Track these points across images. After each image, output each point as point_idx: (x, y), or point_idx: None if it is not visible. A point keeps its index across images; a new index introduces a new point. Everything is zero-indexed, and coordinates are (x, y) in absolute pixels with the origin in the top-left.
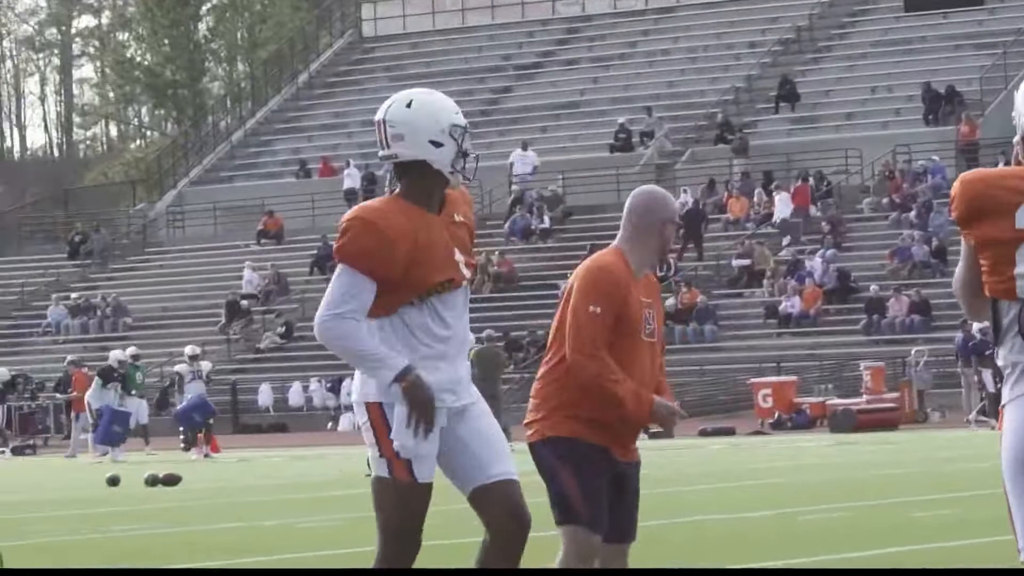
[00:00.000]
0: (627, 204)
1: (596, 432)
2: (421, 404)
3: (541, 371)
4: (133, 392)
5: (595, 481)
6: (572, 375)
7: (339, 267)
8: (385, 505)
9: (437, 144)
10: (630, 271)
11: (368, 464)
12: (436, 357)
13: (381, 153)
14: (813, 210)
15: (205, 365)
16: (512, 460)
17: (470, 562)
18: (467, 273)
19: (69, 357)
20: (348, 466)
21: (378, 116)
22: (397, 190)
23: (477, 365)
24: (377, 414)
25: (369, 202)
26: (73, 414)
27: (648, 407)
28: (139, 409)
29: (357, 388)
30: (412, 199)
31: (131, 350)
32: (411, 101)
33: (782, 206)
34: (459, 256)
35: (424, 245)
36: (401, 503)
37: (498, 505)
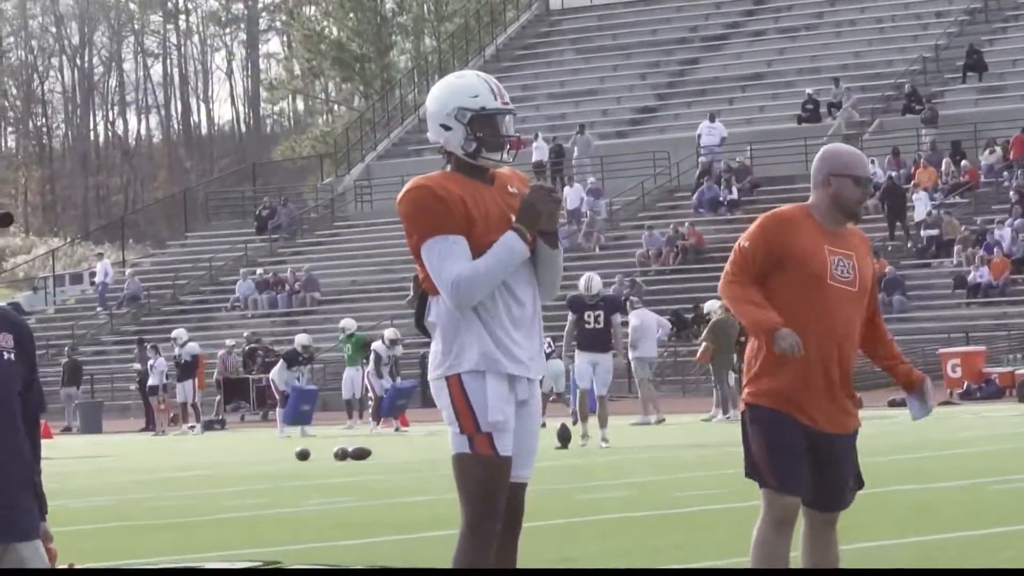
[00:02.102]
0: None
1: (780, 401)
2: (549, 201)
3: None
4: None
5: (783, 445)
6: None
7: (423, 246)
8: (469, 481)
9: (446, 127)
10: (812, 220)
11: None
12: (514, 326)
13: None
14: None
15: (399, 351)
16: (532, 461)
17: None
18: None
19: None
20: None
21: None
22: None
23: (713, 337)
24: (457, 388)
25: (418, 177)
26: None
27: (767, 335)
28: (354, 380)
29: (434, 364)
30: (461, 171)
31: (346, 322)
32: (435, 87)
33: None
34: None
35: (478, 206)
36: (485, 478)
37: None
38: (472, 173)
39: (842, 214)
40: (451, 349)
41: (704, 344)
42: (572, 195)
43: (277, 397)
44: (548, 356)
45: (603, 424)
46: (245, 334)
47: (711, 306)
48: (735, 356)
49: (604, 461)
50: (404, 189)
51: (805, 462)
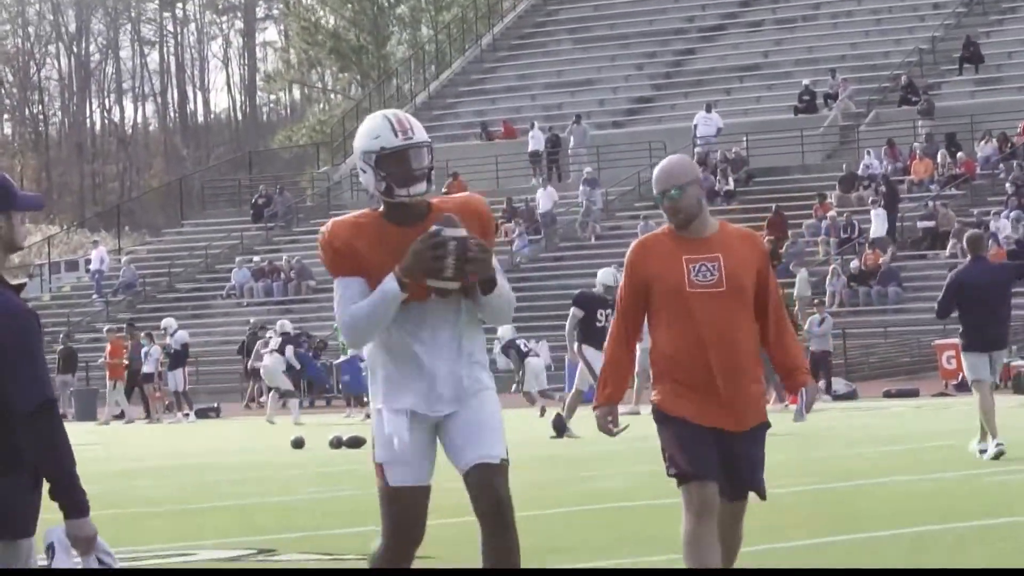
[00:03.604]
0: None
1: (673, 405)
2: (427, 248)
3: None
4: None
5: (688, 437)
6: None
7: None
8: (380, 507)
9: (362, 171)
10: (670, 236)
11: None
12: (412, 367)
13: None
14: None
15: None
16: (494, 443)
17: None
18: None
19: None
20: (531, 428)
21: None
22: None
23: None
24: (377, 420)
25: (333, 220)
26: (110, 382)
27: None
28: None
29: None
30: (386, 215)
31: None
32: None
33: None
34: None
35: (375, 250)
36: (384, 507)
37: (472, 490)
38: (400, 211)
39: (673, 223)
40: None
41: None
42: (544, 198)
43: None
44: (526, 355)
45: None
46: (251, 320)
47: None
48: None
49: (601, 450)
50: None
51: (714, 453)
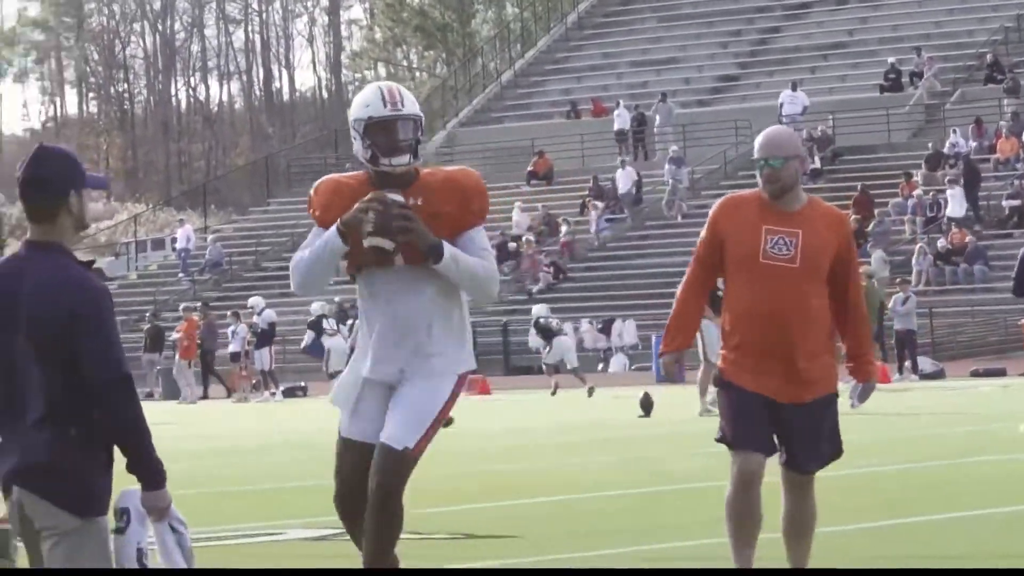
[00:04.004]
0: None
1: (736, 372)
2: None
3: None
4: None
5: (742, 409)
6: None
7: None
8: None
9: (353, 138)
10: (758, 202)
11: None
12: (373, 331)
13: None
14: None
15: None
16: (408, 429)
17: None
18: (396, 255)
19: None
20: (617, 407)
21: None
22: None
23: None
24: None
25: (343, 175)
26: (183, 361)
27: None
28: None
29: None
30: (372, 180)
31: None
32: None
33: None
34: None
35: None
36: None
37: (371, 466)
38: (384, 180)
39: (767, 191)
40: None
41: None
42: (623, 178)
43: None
44: (555, 334)
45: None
46: (336, 300)
47: None
48: (876, 324)
49: (692, 430)
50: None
51: (765, 424)
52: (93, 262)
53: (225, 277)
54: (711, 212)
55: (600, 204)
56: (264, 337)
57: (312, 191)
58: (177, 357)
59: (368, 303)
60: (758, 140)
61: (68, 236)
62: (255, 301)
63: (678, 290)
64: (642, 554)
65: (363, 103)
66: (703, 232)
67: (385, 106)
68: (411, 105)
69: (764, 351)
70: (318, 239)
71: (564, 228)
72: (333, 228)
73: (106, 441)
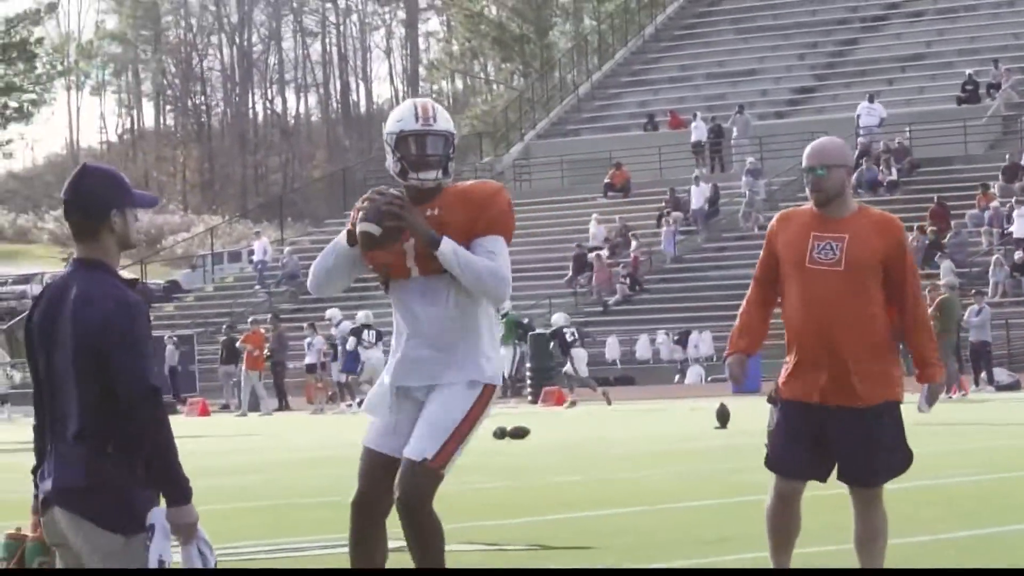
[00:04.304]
0: None
1: (790, 386)
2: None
3: None
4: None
5: (785, 430)
6: None
7: None
8: None
9: (386, 152)
10: (808, 212)
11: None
12: (398, 342)
13: None
14: None
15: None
16: (428, 441)
17: None
18: (413, 263)
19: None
20: (693, 419)
21: None
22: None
23: (939, 315)
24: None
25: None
26: (252, 372)
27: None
28: (505, 360)
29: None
30: (407, 192)
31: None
32: None
33: None
34: (408, 247)
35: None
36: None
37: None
38: (412, 192)
39: (813, 199)
40: None
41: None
42: (697, 194)
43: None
44: (571, 344)
45: None
46: (251, 318)
47: None
48: (955, 336)
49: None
50: None
51: (810, 447)
52: (136, 281)
53: (301, 289)
54: (768, 229)
55: (677, 215)
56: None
57: (354, 208)
58: (243, 368)
59: (395, 314)
60: (807, 150)
61: (112, 254)
62: (332, 313)
63: (741, 309)
64: (714, 565)
65: (396, 118)
66: (762, 251)
67: (417, 121)
68: (444, 122)
69: (816, 355)
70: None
71: (634, 243)
72: (344, 230)
73: (143, 456)
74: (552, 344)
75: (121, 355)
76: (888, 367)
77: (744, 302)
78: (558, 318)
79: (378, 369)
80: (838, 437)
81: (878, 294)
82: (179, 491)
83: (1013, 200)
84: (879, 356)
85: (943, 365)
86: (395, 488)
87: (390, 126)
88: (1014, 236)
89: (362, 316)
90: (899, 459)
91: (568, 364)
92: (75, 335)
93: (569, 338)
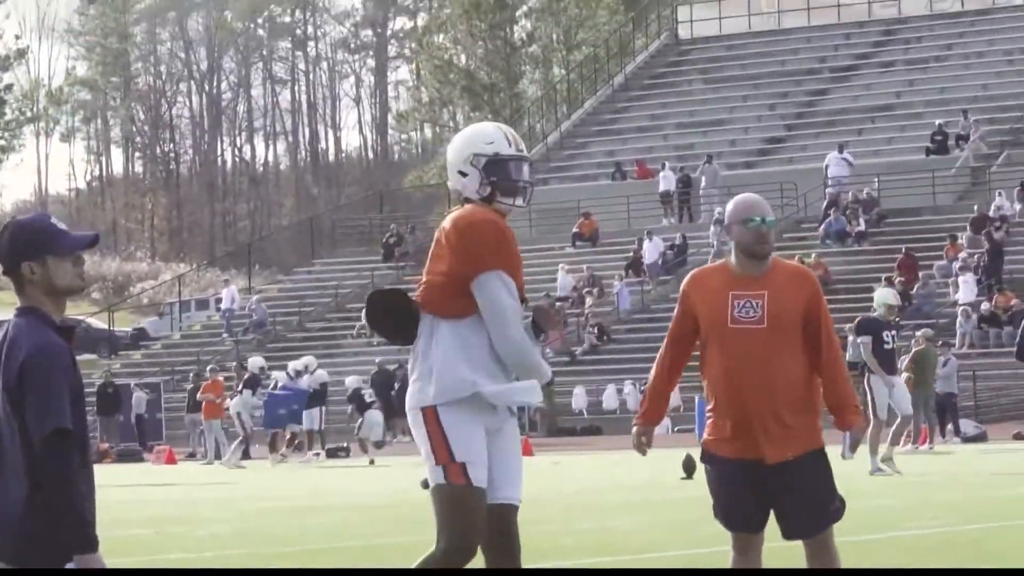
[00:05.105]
0: None
1: (718, 443)
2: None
3: None
4: None
5: (724, 487)
6: None
7: (489, 273)
8: (444, 512)
9: (463, 174)
10: (723, 271)
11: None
12: (498, 367)
13: None
14: None
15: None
16: (521, 486)
17: None
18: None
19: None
20: (661, 470)
21: None
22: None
23: (914, 367)
24: (433, 419)
25: (476, 210)
26: (209, 421)
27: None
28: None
29: (412, 394)
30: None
31: None
32: (455, 138)
33: None
34: None
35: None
36: (459, 508)
37: (492, 526)
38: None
39: (746, 256)
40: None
41: (905, 375)
42: (651, 249)
43: (241, 431)
44: (368, 406)
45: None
46: (377, 360)
47: None
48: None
49: None
50: (464, 217)
51: (750, 499)
52: (73, 328)
53: (269, 338)
54: (681, 288)
55: (624, 274)
56: (316, 397)
57: (488, 231)
58: (201, 416)
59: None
60: (743, 202)
61: (41, 301)
62: (308, 360)
63: (653, 369)
64: None
65: (485, 139)
66: (675, 310)
67: (510, 146)
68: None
69: (743, 414)
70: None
71: (589, 300)
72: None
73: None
74: (351, 408)
75: (32, 396)
76: (813, 418)
77: (655, 366)
78: (352, 380)
79: (375, 428)
80: (775, 491)
81: (800, 346)
82: (79, 539)
83: (956, 268)
84: (805, 408)
85: (860, 409)
86: (504, 538)
87: (479, 148)
88: (960, 302)
89: (352, 381)
90: (837, 503)
91: (360, 424)
92: (3, 378)
93: (368, 399)
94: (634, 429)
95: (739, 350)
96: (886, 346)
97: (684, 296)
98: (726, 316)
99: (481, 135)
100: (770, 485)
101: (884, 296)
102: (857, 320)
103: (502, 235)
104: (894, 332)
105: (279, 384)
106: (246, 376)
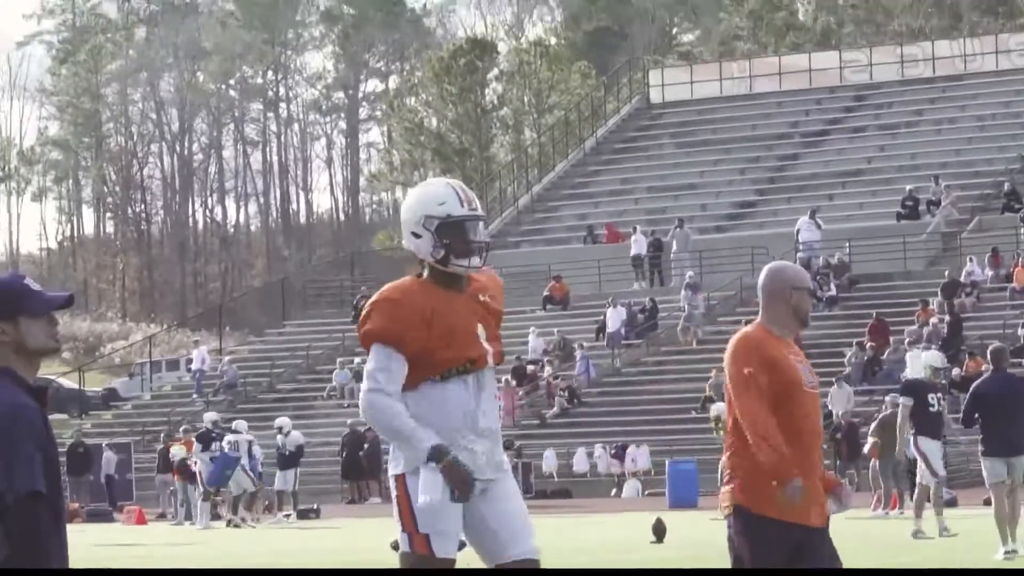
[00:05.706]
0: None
1: (775, 505)
2: (461, 483)
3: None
4: None
5: (764, 551)
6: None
7: (372, 347)
8: None
9: (416, 235)
10: (767, 333)
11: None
12: (470, 432)
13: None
14: None
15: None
16: (532, 538)
17: None
18: (490, 352)
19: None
20: (631, 533)
21: None
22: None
23: (881, 432)
24: (402, 488)
25: (393, 283)
26: (180, 482)
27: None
28: None
29: (389, 459)
30: (433, 280)
31: None
32: (407, 196)
33: None
34: (482, 334)
35: (442, 322)
36: None
37: None
38: (445, 280)
39: (798, 321)
40: None
41: (872, 440)
42: (613, 317)
43: (202, 486)
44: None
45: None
46: (348, 422)
47: (718, 409)
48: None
49: (705, 554)
50: (378, 295)
51: (785, 562)
52: (46, 389)
53: (240, 399)
54: (751, 347)
55: (596, 338)
56: (291, 459)
57: (382, 309)
58: (173, 477)
59: (461, 402)
60: (792, 271)
61: (12, 360)
62: (283, 422)
63: (769, 440)
64: None
65: (436, 199)
66: (765, 375)
67: (463, 206)
68: (479, 206)
69: (811, 476)
70: (417, 431)
71: (548, 368)
72: (426, 448)
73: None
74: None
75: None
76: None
77: (770, 430)
78: (295, 436)
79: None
80: (812, 557)
81: None
82: None
83: (927, 334)
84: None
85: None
86: None
87: (431, 209)
88: (907, 378)
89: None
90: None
91: (279, 478)
92: None
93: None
94: (795, 484)
95: (811, 412)
96: (931, 408)
97: (766, 355)
98: (800, 378)
99: (433, 196)
100: (808, 548)
101: (931, 359)
102: (903, 381)
103: (387, 303)
104: (939, 395)
105: (224, 447)
106: (199, 431)
